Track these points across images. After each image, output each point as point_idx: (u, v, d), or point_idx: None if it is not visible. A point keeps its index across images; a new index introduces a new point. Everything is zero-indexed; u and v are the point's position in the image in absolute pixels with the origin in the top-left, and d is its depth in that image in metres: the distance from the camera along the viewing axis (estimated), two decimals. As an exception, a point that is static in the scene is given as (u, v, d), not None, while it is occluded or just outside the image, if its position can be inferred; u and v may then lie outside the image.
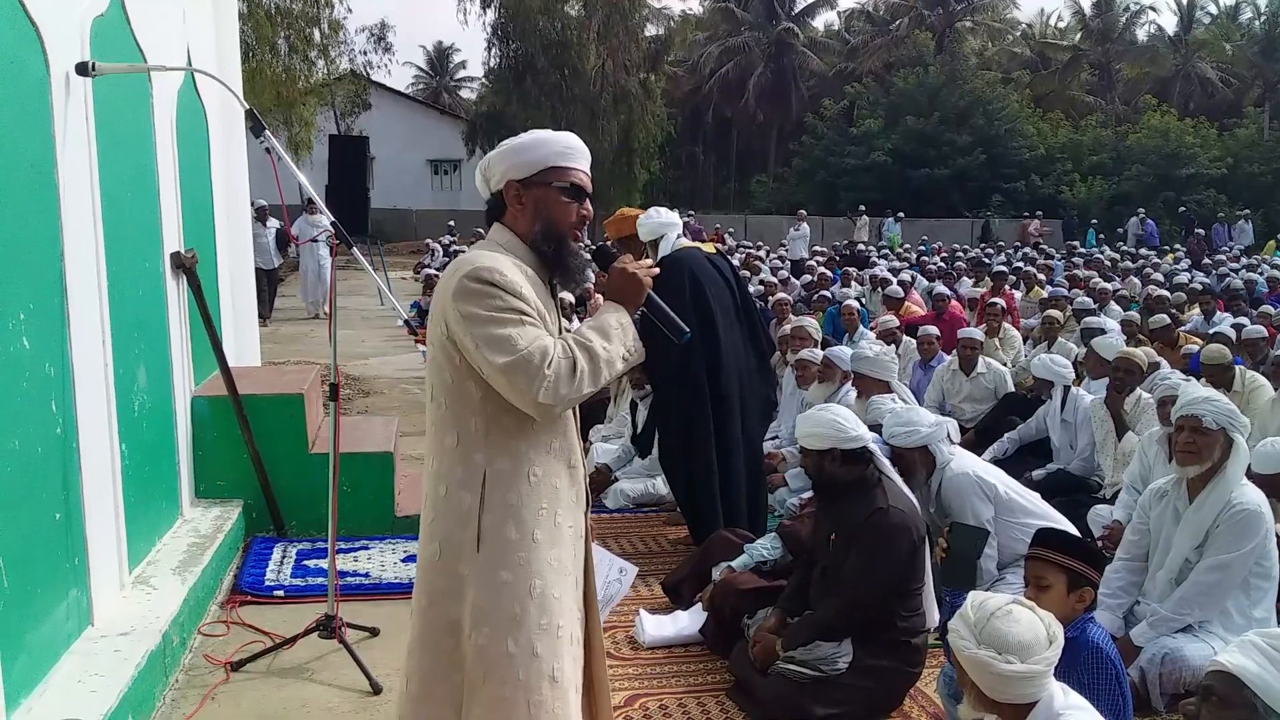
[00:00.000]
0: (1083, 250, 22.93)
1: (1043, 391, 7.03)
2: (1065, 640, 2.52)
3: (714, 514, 5.53)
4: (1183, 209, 31.47)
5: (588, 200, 2.63)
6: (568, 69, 30.33)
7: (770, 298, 11.09)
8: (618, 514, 6.62)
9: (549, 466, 2.53)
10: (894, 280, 12.91)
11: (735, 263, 7.17)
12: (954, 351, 8.16)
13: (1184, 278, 15.55)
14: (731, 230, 30.45)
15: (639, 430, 6.70)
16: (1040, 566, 3.13)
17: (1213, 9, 46.44)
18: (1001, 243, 27.58)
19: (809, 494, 5.60)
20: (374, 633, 4.54)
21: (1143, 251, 22.88)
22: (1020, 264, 17.81)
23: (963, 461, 4.76)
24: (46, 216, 3.59)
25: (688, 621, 4.69)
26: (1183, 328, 10.25)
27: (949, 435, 4.85)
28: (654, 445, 6.26)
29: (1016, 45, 46.94)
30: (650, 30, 35.83)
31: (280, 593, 5.02)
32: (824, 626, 3.92)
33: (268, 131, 4.12)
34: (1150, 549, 4.31)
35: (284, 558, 5.46)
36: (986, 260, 19.11)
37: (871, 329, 9.56)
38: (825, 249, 22.07)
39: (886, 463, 4.19)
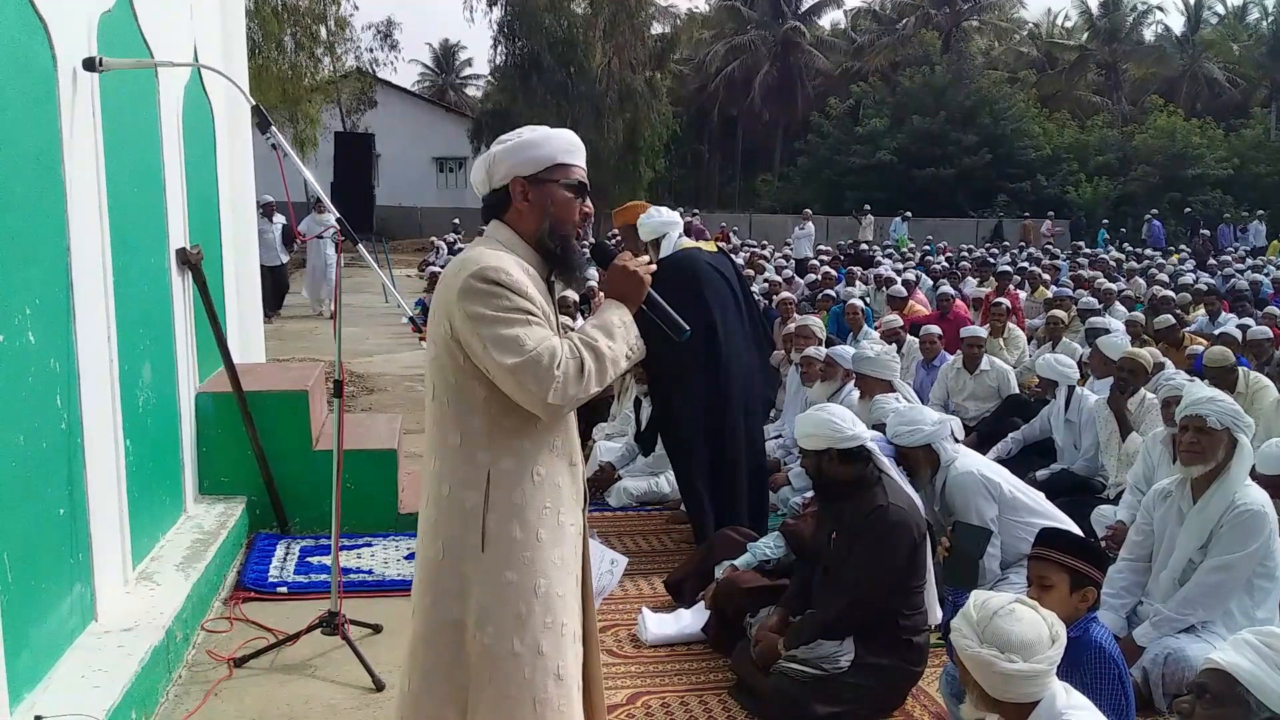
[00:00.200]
0: (1088, 250, 22.89)
1: (1047, 391, 7.02)
2: (1068, 640, 2.52)
3: (704, 514, 5.57)
4: (1188, 209, 31.41)
5: (588, 198, 2.63)
6: (573, 67, 30.31)
7: (775, 297, 11.10)
8: (621, 512, 6.62)
9: (552, 465, 2.53)
10: (898, 280, 12.90)
11: (739, 262, 7.18)
12: (958, 351, 8.16)
13: (1189, 278, 15.52)
14: (736, 229, 30.43)
15: (643, 428, 6.71)
16: (1043, 566, 3.13)
17: (1220, 9, 46.43)
18: (1007, 243, 27.51)
19: (812, 493, 5.61)
20: (377, 629, 4.54)
21: (1147, 252, 22.84)
22: (1025, 264, 17.79)
23: (967, 460, 4.76)
24: (53, 212, 3.60)
25: (690, 620, 4.69)
26: (1188, 328, 10.24)
27: (952, 433, 4.85)
28: (657, 443, 6.28)
29: (1023, 45, 46.86)
30: (656, 28, 35.87)
31: (283, 589, 5.03)
32: (826, 625, 3.92)
33: (274, 128, 4.13)
34: (1154, 549, 4.31)
35: (287, 554, 5.47)
36: (991, 260, 19.11)
37: (876, 328, 9.55)
38: (830, 248, 22.04)
39: (886, 461, 4.19)
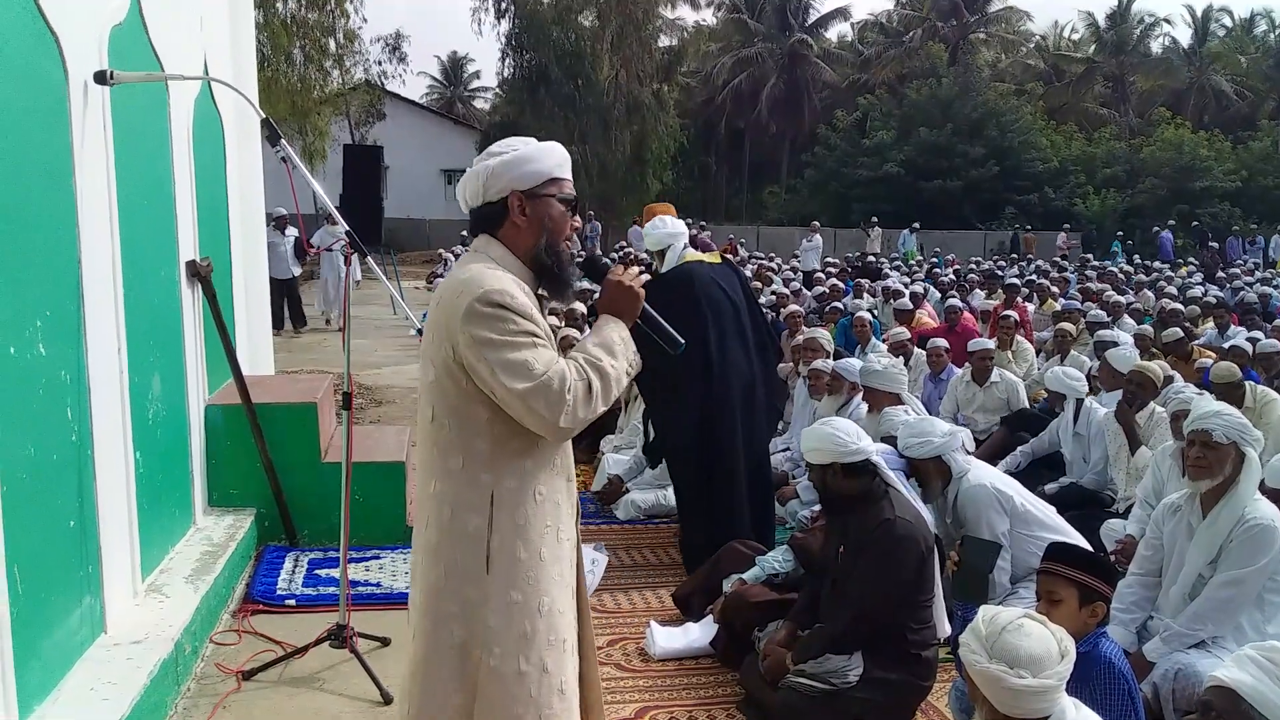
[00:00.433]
0: (1096, 263, 22.86)
1: (1055, 404, 7.00)
2: (1077, 655, 2.51)
3: (692, 529, 5.65)
4: (1195, 223, 31.35)
5: (577, 212, 2.63)
6: (581, 79, 30.41)
7: (782, 309, 11.09)
8: (629, 525, 6.61)
9: (552, 483, 2.53)
10: (906, 293, 12.89)
11: (748, 274, 7.21)
12: (966, 364, 8.15)
13: (1198, 291, 15.49)
14: (743, 241, 30.42)
15: (651, 439, 6.70)
16: (1052, 581, 3.12)
17: (1227, 22, 46.46)
18: (1030, 255, 27.31)
19: (820, 506, 5.60)
20: (385, 642, 4.54)
21: (1156, 265, 22.80)
22: (1033, 276, 17.76)
23: (980, 473, 4.75)
24: (64, 224, 3.62)
25: (698, 634, 4.68)
26: (1197, 341, 10.20)
27: (963, 445, 4.84)
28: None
29: (1030, 57, 46.88)
30: (664, 41, 35.98)
31: (292, 602, 5.04)
32: (834, 639, 3.91)
33: (283, 140, 4.14)
34: (1163, 564, 4.29)
35: (296, 567, 5.47)
36: (999, 272, 19.08)
37: (883, 341, 9.55)
38: (837, 260, 22.05)
39: (892, 474, 4.18)
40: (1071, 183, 37.00)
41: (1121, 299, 13.01)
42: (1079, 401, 6.74)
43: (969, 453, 4.88)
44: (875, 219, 28.35)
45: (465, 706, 2.46)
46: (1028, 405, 7.99)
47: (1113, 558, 4.91)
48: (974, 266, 21.62)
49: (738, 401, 5.60)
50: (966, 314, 10.97)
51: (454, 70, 57.63)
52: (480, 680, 2.44)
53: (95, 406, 3.78)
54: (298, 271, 15.38)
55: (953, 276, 18.14)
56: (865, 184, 37.56)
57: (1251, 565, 3.95)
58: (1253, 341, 8.93)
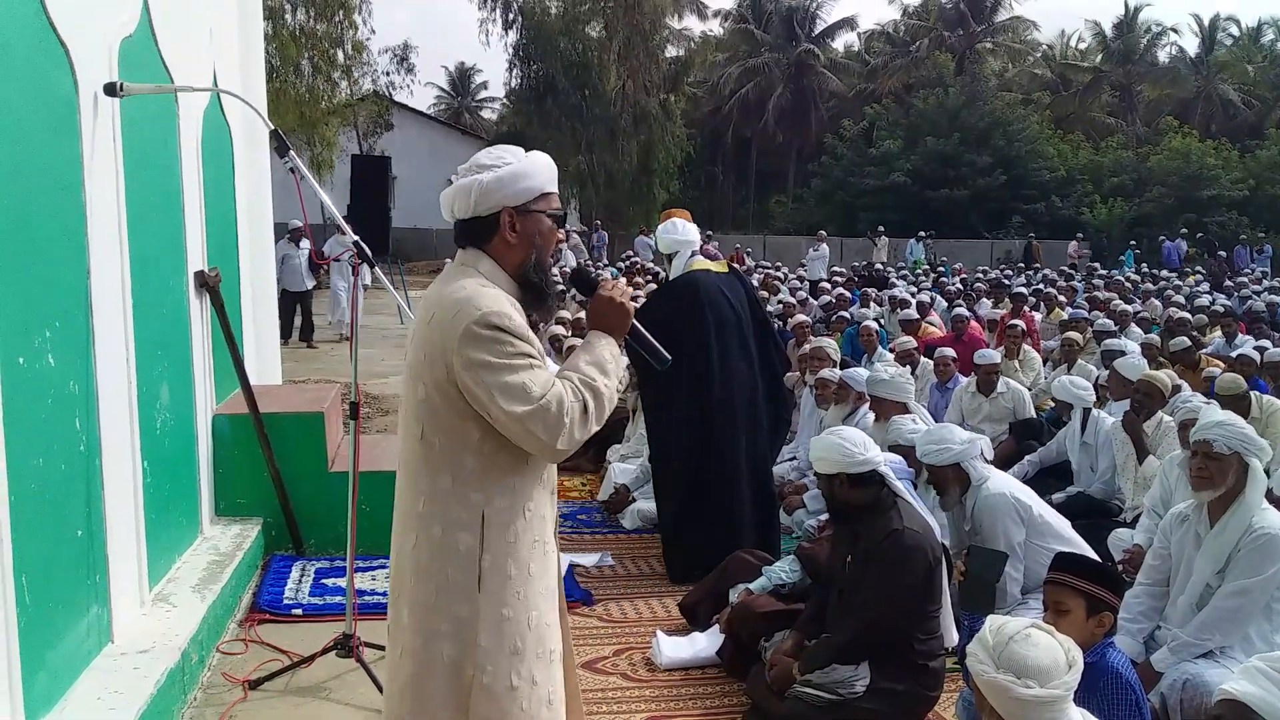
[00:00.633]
0: (1103, 272, 22.82)
1: (1063, 413, 6.98)
2: (1085, 665, 2.51)
3: (678, 542, 5.68)
4: (1200, 234, 31.26)
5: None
6: (588, 89, 30.48)
7: (789, 319, 11.09)
8: (635, 534, 6.60)
9: (540, 498, 2.53)
10: (912, 302, 12.88)
11: (754, 283, 7.22)
12: (972, 373, 8.14)
13: (1205, 300, 15.45)
14: (750, 250, 30.45)
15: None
16: (1059, 591, 3.12)
17: (1234, 30, 46.38)
18: (1038, 264, 27.18)
19: (827, 515, 5.60)
20: (392, 651, 4.53)
21: (1163, 274, 22.75)
22: (1040, 285, 17.74)
23: (999, 481, 4.75)
24: (73, 235, 3.64)
25: (705, 644, 4.67)
26: (1204, 350, 10.17)
27: (982, 453, 4.83)
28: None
29: (1037, 66, 46.86)
30: (671, 51, 36.13)
31: (298, 611, 5.04)
32: (840, 649, 3.90)
33: (292, 152, 4.16)
34: (1171, 574, 4.27)
35: (303, 576, 5.48)
36: (1006, 281, 19.05)
37: (890, 350, 9.54)
38: (844, 270, 22.05)
39: (900, 485, 4.18)
40: (1079, 192, 36.93)
41: (1129, 308, 12.99)
42: (1086, 411, 6.73)
43: (988, 461, 4.87)
44: (882, 228, 28.32)
45: None
46: (1034, 414, 7.97)
47: (1120, 567, 4.90)
48: (980, 276, 21.61)
49: (740, 409, 5.60)
50: (973, 323, 10.96)
51: (461, 81, 57.82)
52: (473, 697, 2.43)
53: (103, 416, 3.80)
54: (311, 284, 15.27)
55: (959, 286, 18.12)
56: (872, 193, 37.55)
57: (1259, 575, 3.94)
58: (1260, 350, 8.89)
